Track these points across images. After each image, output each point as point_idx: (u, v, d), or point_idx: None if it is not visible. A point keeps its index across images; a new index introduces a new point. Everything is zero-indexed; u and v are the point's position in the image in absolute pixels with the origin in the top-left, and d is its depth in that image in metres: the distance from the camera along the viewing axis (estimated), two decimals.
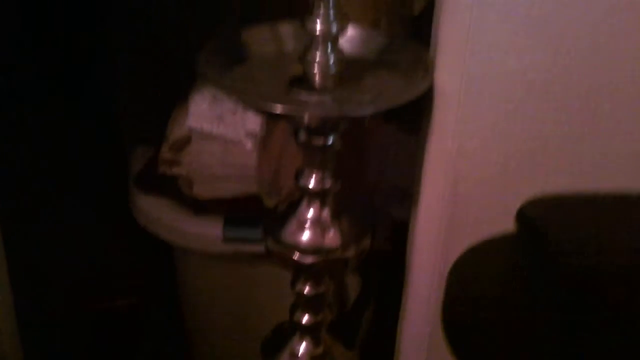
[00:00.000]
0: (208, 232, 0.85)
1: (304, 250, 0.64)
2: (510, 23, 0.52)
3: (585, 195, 0.52)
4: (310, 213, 0.65)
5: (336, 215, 0.66)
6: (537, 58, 0.53)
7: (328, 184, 0.63)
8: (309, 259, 0.64)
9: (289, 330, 0.72)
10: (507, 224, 0.56)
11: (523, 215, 0.48)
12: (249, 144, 0.84)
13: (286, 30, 0.62)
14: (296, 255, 0.64)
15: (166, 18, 0.84)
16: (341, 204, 0.66)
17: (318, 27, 0.54)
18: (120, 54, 0.95)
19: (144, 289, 1.01)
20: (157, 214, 0.87)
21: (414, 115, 0.63)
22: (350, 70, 0.59)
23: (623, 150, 0.55)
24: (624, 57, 0.53)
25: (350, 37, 0.61)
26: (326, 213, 0.65)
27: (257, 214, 0.82)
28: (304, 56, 0.57)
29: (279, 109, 0.51)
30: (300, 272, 0.67)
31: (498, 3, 0.51)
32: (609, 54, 0.53)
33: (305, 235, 0.65)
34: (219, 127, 0.84)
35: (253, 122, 0.82)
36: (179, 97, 0.88)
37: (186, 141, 0.85)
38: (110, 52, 0.95)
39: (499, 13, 0.51)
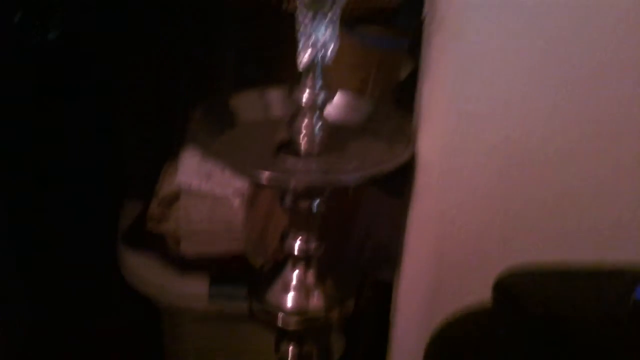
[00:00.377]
0: (194, 290, 0.85)
1: (288, 312, 0.64)
2: (490, 96, 0.54)
3: (563, 266, 0.53)
4: (295, 276, 0.66)
5: (320, 278, 0.66)
6: (516, 130, 0.55)
7: (313, 247, 0.64)
8: (292, 322, 0.64)
9: None
10: (489, 289, 0.57)
11: (500, 286, 0.49)
12: (236, 202, 0.85)
13: (275, 96, 0.64)
14: (280, 318, 0.64)
15: (162, 79, 0.85)
16: (326, 266, 0.67)
17: (305, 97, 0.56)
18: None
19: (130, 346, 1.01)
20: (144, 270, 0.87)
21: (399, 179, 0.64)
22: (336, 136, 0.61)
23: (600, 223, 0.57)
24: (599, 132, 0.55)
25: (336, 103, 0.62)
26: (311, 276, 0.66)
27: (243, 273, 0.83)
28: (291, 123, 0.58)
29: (264, 177, 0.52)
30: (284, 333, 0.68)
31: (478, 76, 0.53)
32: (586, 124, 0.55)
33: (290, 298, 0.65)
34: (207, 184, 0.85)
35: (241, 179, 0.84)
36: (169, 154, 0.90)
37: (175, 197, 0.86)
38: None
39: (479, 86, 0.53)
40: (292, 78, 0.57)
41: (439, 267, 0.61)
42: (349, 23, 0.78)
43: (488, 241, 0.59)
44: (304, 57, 0.53)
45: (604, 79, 0.53)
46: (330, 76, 0.58)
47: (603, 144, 0.56)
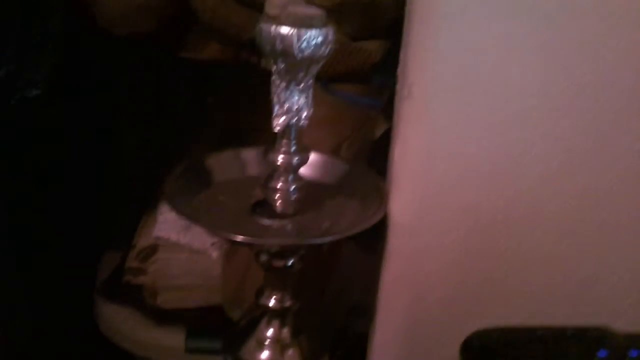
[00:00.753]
0: (170, 342, 0.85)
1: None
2: (460, 161, 0.55)
3: (529, 328, 0.55)
4: (270, 332, 0.66)
5: (295, 334, 0.67)
6: (484, 194, 0.56)
7: (288, 303, 0.65)
8: None
9: None
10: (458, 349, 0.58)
11: (468, 346, 0.50)
12: (214, 255, 0.86)
13: (250, 155, 0.65)
14: None
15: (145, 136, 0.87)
16: (301, 322, 0.68)
17: (280, 159, 0.57)
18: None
19: None
20: (120, 323, 0.87)
21: (374, 236, 0.65)
22: (311, 195, 0.62)
23: (567, 287, 0.58)
24: (566, 193, 0.57)
25: (311, 162, 0.64)
26: (286, 332, 0.67)
27: (220, 326, 0.83)
28: (266, 184, 0.59)
29: (238, 238, 0.53)
30: None
31: (447, 142, 0.54)
32: (550, 187, 0.57)
33: (265, 354, 0.66)
34: (185, 236, 0.86)
35: None
36: (148, 206, 0.91)
37: (153, 250, 0.86)
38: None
39: (449, 151, 0.55)
40: (269, 135, 0.58)
41: (412, 326, 0.62)
42: (325, 81, 0.80)
43: (458, 302, 0.60)
44: (279, 122, 0.55)
45: (568, 146, 0.55)
46: (304, 138, 0.59)
47: (569, 206, 0.57)
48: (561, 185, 0.56)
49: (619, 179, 0.56)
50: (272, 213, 0.60)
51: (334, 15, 0.77)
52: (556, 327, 0.54)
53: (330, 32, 0.52)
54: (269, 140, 0.59)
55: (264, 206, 0.61)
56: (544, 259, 0.58)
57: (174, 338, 0.85)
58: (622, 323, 0.62)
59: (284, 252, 0.61)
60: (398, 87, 0.58)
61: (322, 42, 0.51)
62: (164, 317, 0.86)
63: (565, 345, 0.51)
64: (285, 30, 0.50)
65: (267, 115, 0.57)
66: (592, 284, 0.58)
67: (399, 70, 0.58)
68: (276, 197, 0.59)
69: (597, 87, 0.52)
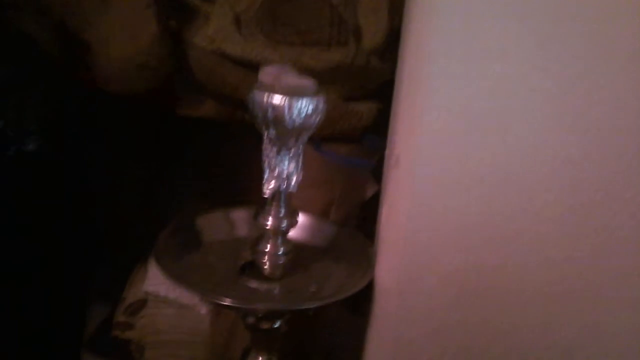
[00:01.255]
0: None
1: None
2: (445, 226, 0.56)
3: None
4: None
5: None
6: (470, 260, 0.57)
7: None
8: None
9: None
10: None
11: None
12: (203, 310, 0.86)
13: (240, 216, 0.66)
14: None
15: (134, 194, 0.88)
16: None
17: (269, 222, 0.58)
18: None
19: None
20: None
21: (361, 298, 0.66)
22: (299, 256, 0.63)
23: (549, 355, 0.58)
24: (549, 260, 0.57)
25: (300, 224, 0.65)
26: None
27: None
28: (254, 246, 0.60)
29: (226, 301, 0.54)
30: None
31: (432, 209, 0.55)
32: (533, 254, 0.57)
33: None
34: (174, 291, 0.85)
35: None
36: (138, 260, 0.91)
37: (142, 305, 0.86)
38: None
39: (433, 218, 0.56)
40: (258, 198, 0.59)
41: None
42: (317, 141, 0.82)
43: None
44: (269, 187, 0.56)
45: (548, 217, 0.56)
46: (294, 197, 0.60)
47: (553, 275, 0.58)
48: (546, 254, 0.57)
49: (602, 247, 0.57)
50: (260, 276, 0.60)
51: (328, 77, 0.79)
52: None
53: (321, 101, 0.54)
54: (260, 200, 0.60)
55: (252, 268, 0.61)
56: (527, 328, 0.58)
57: None
58: None
59: (270, 315, 0.61)
60: (386, 155, 0.59)
61: (313, 111, 0.53)
62: None
63: None
64: (277, 99, 0.52)
65: (260, 174, 0.58)
66: (575, 353, 0.59)
67: (388, 138, 0.60)
68: (264, 260, 0.60)
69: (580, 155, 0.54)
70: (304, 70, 0.72)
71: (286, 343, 0.66)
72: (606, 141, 0.53)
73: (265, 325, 0.62)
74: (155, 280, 0.85)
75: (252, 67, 0.74)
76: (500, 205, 0.55)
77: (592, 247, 0.56)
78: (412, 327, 0.60)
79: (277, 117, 0.52)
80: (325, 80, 0.80)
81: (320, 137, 0.82)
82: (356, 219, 0.78)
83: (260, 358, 0.64)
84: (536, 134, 0.52)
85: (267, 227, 0.59)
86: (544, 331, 0.59)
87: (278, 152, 0.55)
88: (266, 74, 0.54)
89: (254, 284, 0.60)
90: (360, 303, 0.66)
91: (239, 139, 0.81)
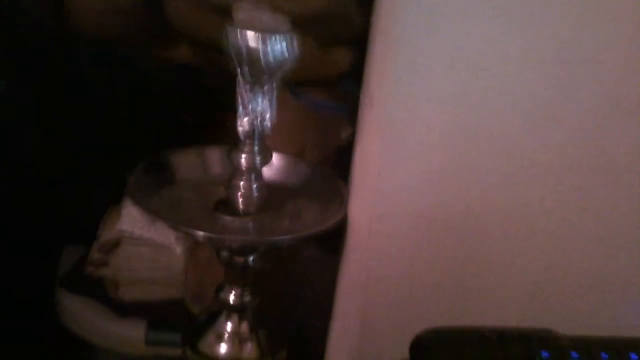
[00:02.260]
0: (131, 334, 0.86)
1: None
2: (416, 166, 0.57)
3: (476, 328, 0.57)
4: (229, 326, 0.68)
5: (254, 329, 0.69)
6: (439, 198, 0.59)
7: (247, 299, 0.67)
8: None
9: None
10: None
11: (416, 345, 0.52)
12: (178, 249, 0.87)
13: (214, 154, 0.67)
14: None
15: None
16: (260, 317, 0.69)
17: (243, 160, 0.59)
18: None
19: None
20: (81, 314, 0.87)
21: (334, 237, 0.67)
22: (272, 195, 0.64)
23: (519, 291, 0.61)
24: (514, 196, 0.59)
25: (275, 165, 0.66)
26: (244, 327, 0.68)
27: (181, 319, 0.84)
28: (228, 183, 0.61)
29: (199, 236, 0.55)
30: None
31: (404, 148, 0.56)
32: (504, 190, 0.59)
33: (223, 348, 0.68)
34: (149, 231, 0.86)
35: None
36: (112, 199, 0.91)
37: (116, 243, 0.87)
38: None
39: (405, 157, 0.57)
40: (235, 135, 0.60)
41: (365, 325, 0.64)
42: (292, 85, 0.82)
43: (411, 302, 0.62)
44: (242, 124, 0.57)
45: (520, 158, 0.57)
46: (270, 140, 0.61)
47: (520, 214, 0.60)
48: (512, 195, 0.59)
49: (571, 189, 0.59)
50: (234, 211, 0.62)
51: (304, 23, 0.79)
52: (502, 328, 0.57)
53: (294, 38, 0.54)
54: (234, 140, 0.60)
55: (226, 204, 0.62)
56: (494, 265, 0.60)
57: (134, 330, 0.86)
58: (567, 327, 0.65)
59: (244, 250, 0.63)
60: (361, 95, 0.60)
61: (287, 49, 0.53)
62: (125, 309, 0.87)
63: (510, 345, 0.53)
64: (250, 35, 0.52)
65: (235, 117, 0.58)
66: (540, 290, 0.61)
67: (363, 79, 0.60)
68: (238, 196, 0.61)
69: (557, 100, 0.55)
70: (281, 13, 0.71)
71: (259, 279, 0.67)
72: None
73: (238, 260, 0.64)
74: (129, 219, 0.86)
75: (229, 13, 0.74)
76: (470, 147, 0.57)
77: (553, 188, 0.58)
78: (382, 265, 0.62)
79: (250, 54, 0.52)
80: (302, 25, 0.80)
81: (295, 82, 0.83)
82: (331, 161, 0.79)
83: (234, 292, 0.66)
84: (515, 78, 0.53)
85: (241, 164, 0.59)
86: (509, 269, 0.61)
87: (251, 90, 0.55)
88: (240, 11, 0.54)
89: (227, 219, 0.61)
90: (333, 242, 0.67)
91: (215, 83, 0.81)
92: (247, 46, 0.52)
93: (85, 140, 0.85)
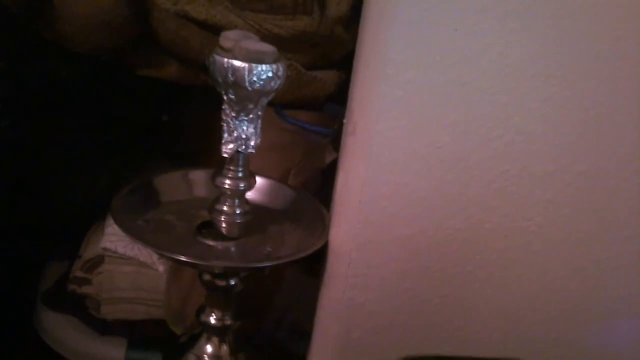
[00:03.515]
0: (111, 353, 0.86)
1: None
2: (399, 193, 0.58)
3: (455, 357, 0.58)
4: (209, 348, 0.68)
5: (234, 352, 0.69)
6: (423, 226, 0.59)
7: (228, 321, 0.67)
8: None
9: None
10: None
11: None
12: (160, 268, 0.87)
13: (199, 177, 0.67)
14: None
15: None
16: (240, 340, 0.70)
17: (227, 184, 0.59)
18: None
19: None
20: (62, 332, 0.87)
21: (315, 260, 0.68)
22: (256, 219, 0.64)
23: (500, 321, 0.62)
24: (500, 246, 0.60)
25: (258, 187, 0.66)
26: (225, 349, 0.68)
27: (162, 339, 0.84)
28: (212, 206, 0.61)
29: (182, 258, 0.55)
30: None
31: (388, 176, 0.57)
32: (486, 229, 0.60)
33: None
34: (132, 249, 0.86)
35: None
36: (96, 216, 0.91)
37: (99, 261, 0.87)
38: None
39: (388, 184, 0.57)
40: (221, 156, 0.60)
41: (346, 350, 0.64)
42: (278, 106, 0.83)
43: (391, 329, 0.62)
44: (227, 149, 0.57)
45: (501, 187, 0.58)
46: (254, 160, 0.61)
47: (502, 245, 0.61)
48: (495, 225, 0.60)
49: (549, 217, 0.59)
50: (217, 235, 0.62)
51: (291, 45, 0.80)
52: (477, 358, 0.58)
53: (281, 67, 0.54)
54: (220, 162, 0.61)
55: (209, 228, 0.63)
56: (475, 292, 0.61)
57: (115, 349, 0.86)
58: (546, 356, 0.66)
59: (226, 273, 0.63)
60: (345, 122, 0.61)
61: (272, 77, 0.54)
62: (106, 328, 0.87)
63: None
64: (237, 63, 0.52)
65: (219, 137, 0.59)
66: (520, 319, 0.62)
67: (347, 105, 0.61)
68: (222, 220, 0.61)
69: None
70: (268, 37, 0.72)
71: (241, 302, 0.68)
72: None
73: (220, 283, 0.64)
74: (112, 238, 0.86)
75: (216, 31, 0.75)
76: (454, 175, 0.57)
77: (540, 215, 0.59)
78: (363, 291, 0.62)
79: (236, 81, 0.53)
80: (288, 48, 0.81)
81: (282, 103, 0.83)
82: (315, 185, 0.80)
83: (214, 315, 0.66)
84: (494, 107, 0.54)
85: (225, 188, 0.60)
86: (490, 298, 0.62)
87: (237, 116, 0.56)
88: (226, 39, 0.54)
89: (210, 242, 0.61)
90: (314, 265, 0.68)
91: (201, 101, 0.82)
92: (233, 74, 0.52)
93: (69, 155, 0.85)
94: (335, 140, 0.71)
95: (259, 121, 0.57)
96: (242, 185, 0.60)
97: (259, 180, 0.64)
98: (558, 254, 0.61)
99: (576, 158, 0.57)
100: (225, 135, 0.57)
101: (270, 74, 0.53)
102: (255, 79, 0.53)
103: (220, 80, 0.53)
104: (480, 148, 0.56)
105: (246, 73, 0.52)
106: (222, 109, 0.56)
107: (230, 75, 0.52)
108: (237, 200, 0.61)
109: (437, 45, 0.52)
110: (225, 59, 0.52)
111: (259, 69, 0.52)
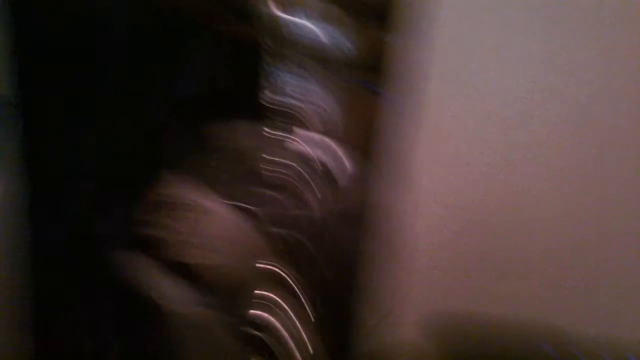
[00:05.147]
0: (185, 295, 0.88)
1: None
2: (450, 166, 0.57)
3: None
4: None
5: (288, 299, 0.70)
6: (478, 195, 0.59)
7: (283, 273, 0.68)
8: None
9: None
10: None
11: None
12: (227, 215, 0.88)
13: (245, 127, 0.68)
14: None
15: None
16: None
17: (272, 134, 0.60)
18: None
19: None
20: (139, 272, 0.90)
21: None
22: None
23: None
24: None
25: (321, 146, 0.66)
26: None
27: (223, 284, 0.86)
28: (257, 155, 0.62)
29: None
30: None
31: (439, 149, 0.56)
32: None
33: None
34: (200, 196, 0.88)
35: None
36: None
37: (170, 207, 0.89)
38: None
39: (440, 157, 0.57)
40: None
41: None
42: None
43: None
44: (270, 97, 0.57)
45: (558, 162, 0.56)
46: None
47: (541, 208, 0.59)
48: (537, 191, 0.58)
49: (591, 210, 0.58)
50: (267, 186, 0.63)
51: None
52: None
53: (332, 28, 0.54)
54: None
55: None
56: (522, 256, 0.60)
57: (189, 291, 0.88)
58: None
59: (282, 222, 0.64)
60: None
61: (318, 32, 0.53)
62: (181, 270, 0.89)
63: None
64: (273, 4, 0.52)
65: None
66: (586, 289, 0.61)
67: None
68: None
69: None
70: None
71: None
72: None
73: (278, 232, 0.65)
74: (181, 185, 0.88)
75: None
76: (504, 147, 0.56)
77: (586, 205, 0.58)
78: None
79: (272, 24, 0.53)
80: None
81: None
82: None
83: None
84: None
85: (271, 138, 0.60)
86: (541, 255, 0.61)
87: (281, 66, 0.55)
88: None
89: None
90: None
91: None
92: (269, 15, 0.52)
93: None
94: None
95: (302, 72, 0.57)
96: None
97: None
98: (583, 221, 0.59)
99: None
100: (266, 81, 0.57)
101: (313, 28, 0.53)
102: (292, 24, 0.52)
103: (271, 32, 0.53)
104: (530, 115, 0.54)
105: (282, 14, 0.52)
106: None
107: (266, 15, 0.52)
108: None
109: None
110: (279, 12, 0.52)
111: (300, 15, 0.52)
